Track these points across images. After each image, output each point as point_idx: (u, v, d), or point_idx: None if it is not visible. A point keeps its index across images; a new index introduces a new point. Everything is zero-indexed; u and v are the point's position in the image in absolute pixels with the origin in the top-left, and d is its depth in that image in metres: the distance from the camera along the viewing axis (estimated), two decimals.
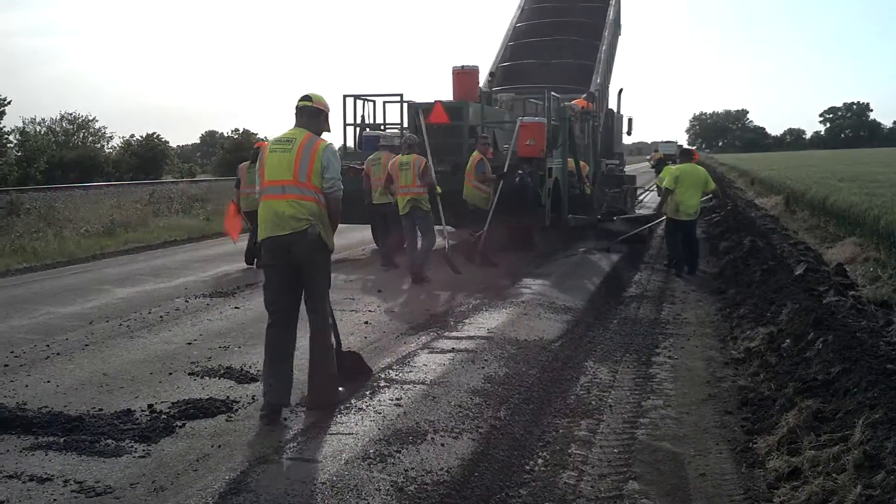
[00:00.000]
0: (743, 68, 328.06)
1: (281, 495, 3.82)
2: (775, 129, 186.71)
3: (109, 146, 52.67)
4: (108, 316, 8.23)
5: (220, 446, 4.55)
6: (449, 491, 3.99)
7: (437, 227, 10.72)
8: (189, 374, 6.05)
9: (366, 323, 7.76)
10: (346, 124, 13.87)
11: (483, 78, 16.09)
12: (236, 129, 56.08)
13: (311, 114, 5.30)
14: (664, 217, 12.14)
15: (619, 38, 21.69)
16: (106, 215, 17.20)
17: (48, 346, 6.97)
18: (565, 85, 16.68)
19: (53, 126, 50.83)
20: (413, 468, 4.20)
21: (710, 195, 11.75)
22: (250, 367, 6.21)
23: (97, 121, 54.29)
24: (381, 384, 5.67)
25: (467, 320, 7.83)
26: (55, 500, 3.86)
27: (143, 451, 4.49)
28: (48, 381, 5.86)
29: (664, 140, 42.65)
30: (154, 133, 50.62)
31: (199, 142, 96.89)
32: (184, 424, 4.92)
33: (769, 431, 4.85)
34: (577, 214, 13.91)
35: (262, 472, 4.12)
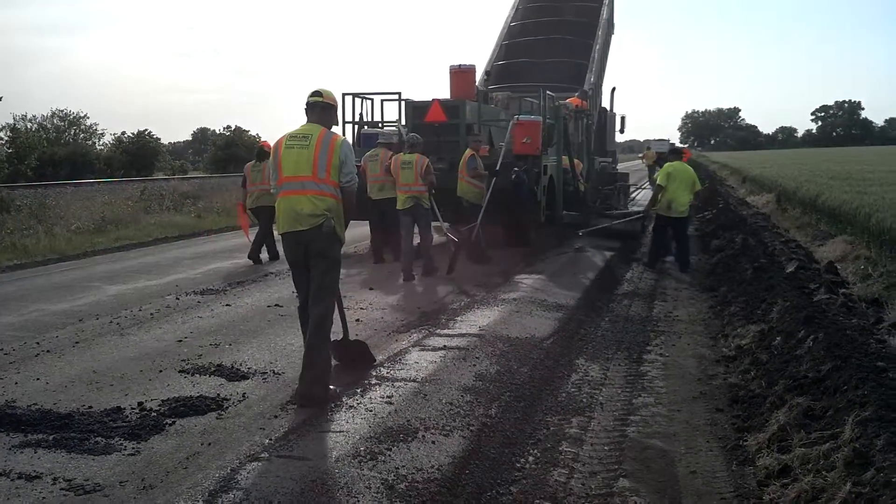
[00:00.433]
0: (735, 66, 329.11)
1: (271, 493, 3.81)
2: (767, 127, 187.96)
3: (101, 143, 52.46)
4: (99, 313, 8.20)
5: (210, 444, 4.54)
6: (440, 489, 3.99)
7: (434, 224, 10.90)
8: (179, 371, 6.02)
9: (357, 320, 7.74)
10: (344, 122, 13.94)
11: (479, 77, 16.18)
12: (228, 127, 55.81)
13: (323, 108, 5.48)
14: (642, 215, 12.37)
15: (612, 36, 21.79)
16: (97, 212, 17.13)
17: (38, 343, 6.94)
18: (559, 83, 16.76)
19: (44, 123, 50.57)
20: (404, 466, 4.19)
21: (695, 195, 11.97)
22: (241, 364, 6.19)
23: (88, 117, 54.09)
24: (373, 382, 5.66)
25: (459, 318, 7.82)
26: (44, 497, 3.85)
27: (133, 448, 4.47)
28: (38, 379, 5.83)
29: (656, 138, 42.71)
30: (146, 130, 50.38)
31: (190, 139, 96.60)
32: (174, 422, 4.90)
33: (759, 429, 4.86)
34: (572, 211, 14.19)
35: (253, 469, 4.11)
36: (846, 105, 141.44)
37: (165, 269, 11.45)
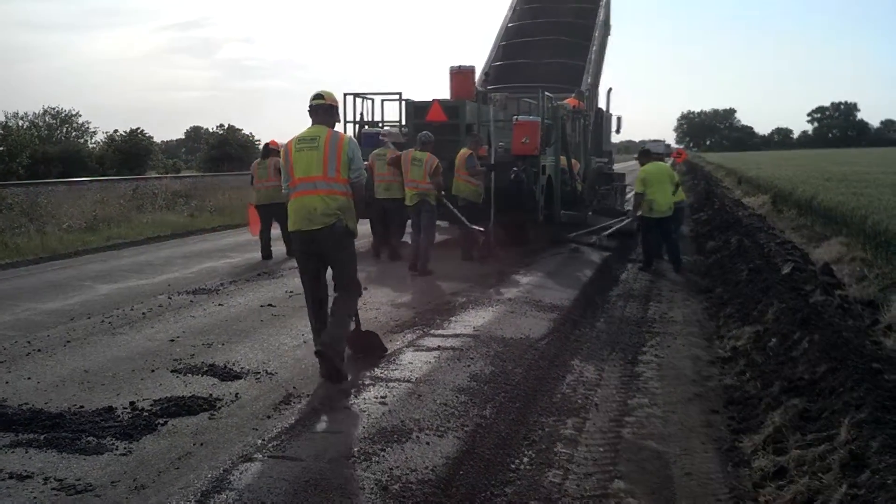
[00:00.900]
0: (731, 67, 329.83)
1: (264, 494, 3.78)
2: (763, 128, 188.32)
3: (93, 141, 52.34)
4: (90, 312, 8.15)
5: (202, 444, 4.50)
6: (434, 490, 3.96)
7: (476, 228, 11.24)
8: (172, 371, 5.98)
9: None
10: (345, 122, 14.00)
11: (478, 77, 16.28)
12: (221, 125, 55.72)
13: (325, 110, 5.82)
14: (630, 219, 12.57)
15: (609, 38, 21.84)
16: (89, 211, 17.03)
17: (29, 342, 6.89)
18: (556, 84, 16.79)
19: (36, 121, 50.45)
20: (398, 467, 4.17)
21: (678, 187, 12.18)
22: (234, 364, 6.15)
23: (80, 115, 53.98)
24: (367, 382, 5.63)
25: (453, 318, 7.80)
26: (35, 497, 3.81)
27: (125, 448, 4.43)
28: (29, 378, 5.79)
29: (652, 139, 42.78)
30: (138, 128, 50.28)
31: (183, 137, 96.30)
32: (166, 422, 4.86)
33: (755, 430, 4.86)
34: (569, 210, 14.43)
35: (245, 470, 4.08)
36: (842, 106, 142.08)
37: (158, 268, 11.39)
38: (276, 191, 10.52)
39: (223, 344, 6.84)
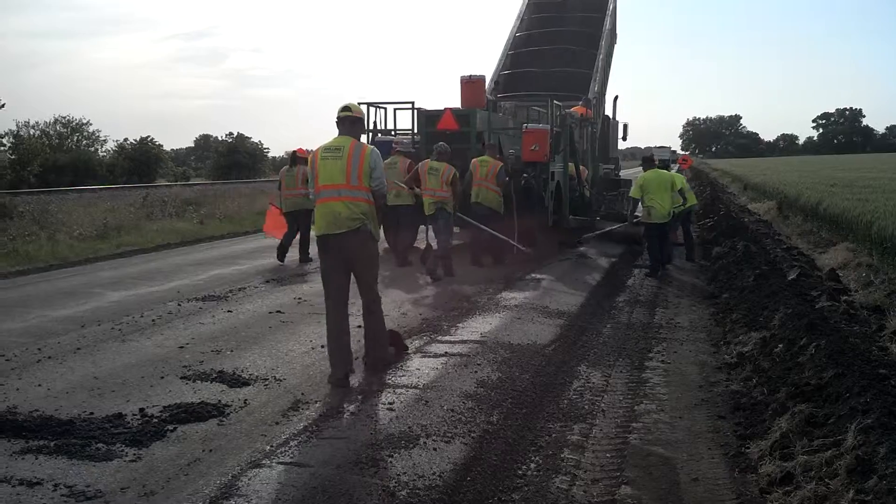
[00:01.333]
0: (736, 74, 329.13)
1: (272, 500, 3.81)
2: (768, 134, 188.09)
3: (103, 150, 52.59)
4: (101, 319, 8.20)
5: (211, 451, 4.53)
6: (441, 496, 3.98)
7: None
8: (181, 377, 6.02)
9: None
10: None
11: (488, 86, 16.43)
12: (230, 133, 55.98)
13: (352, 122, 6.14)
14: (626, 223, 12.90)
15: (615, 46, 21.95)
16: (99, 219, 17.11)
17: (40, 349, 6.94)
18: (563, 92, 16.89)
19: (47, 129, 50.66)
20: (405, 473, 4.19)
21: (681, 192, 12.33)
22: (242, 371, 6.18)
23: (91, 124, 54.19)
24: (374, 388, 5.66)
25: (460, 324, 7.83)
26: None
27: (134, 455, 4.46)
28: (39, 385, 5.83)
29: (658, 145, 42.84)
30: (148, 137, 50.54)
31: (192, 145, 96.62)
32: (175, 429, 4.89)
33: (762, 436, 4.85)
34: (577, 216, 14.68)
35: (254, 476, 4.11)
36: (847, 112, 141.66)
37: (167, 275, 11.45)
38: (303, 199, 11.50)
39: (232, 350, 6.87)
